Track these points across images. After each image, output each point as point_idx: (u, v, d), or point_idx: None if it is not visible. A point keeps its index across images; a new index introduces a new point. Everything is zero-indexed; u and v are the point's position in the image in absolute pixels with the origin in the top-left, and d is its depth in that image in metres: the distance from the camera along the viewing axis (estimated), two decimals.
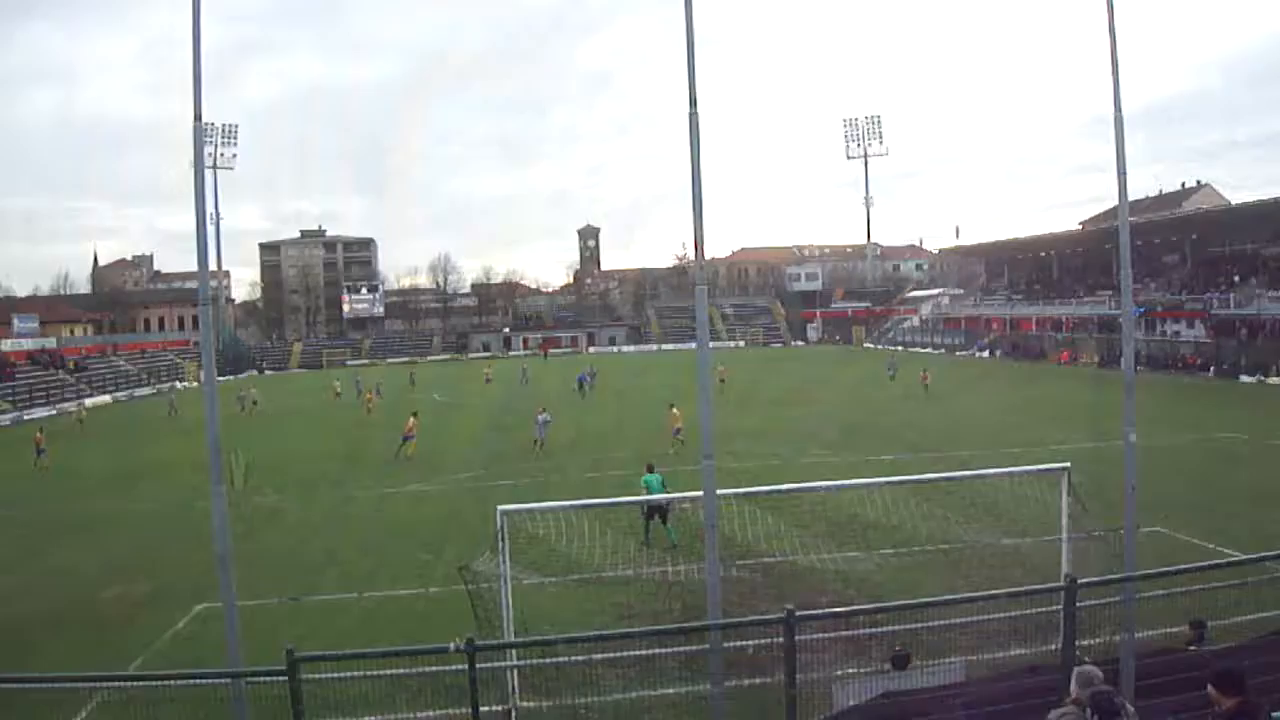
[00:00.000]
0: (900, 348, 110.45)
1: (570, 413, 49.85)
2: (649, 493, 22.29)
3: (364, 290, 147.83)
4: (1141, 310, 77.77)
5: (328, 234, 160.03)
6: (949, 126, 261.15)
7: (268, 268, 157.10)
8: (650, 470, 23.84)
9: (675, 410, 38.51)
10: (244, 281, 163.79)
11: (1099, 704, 6.31)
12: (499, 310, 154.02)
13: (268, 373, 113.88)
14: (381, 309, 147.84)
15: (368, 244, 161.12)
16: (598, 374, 71.02)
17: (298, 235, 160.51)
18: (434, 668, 10.23)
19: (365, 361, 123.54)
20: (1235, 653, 11.57)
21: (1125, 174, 11.25)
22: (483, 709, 11.09)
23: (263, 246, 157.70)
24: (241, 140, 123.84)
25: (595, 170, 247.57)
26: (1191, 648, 12.93)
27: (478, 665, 9.30)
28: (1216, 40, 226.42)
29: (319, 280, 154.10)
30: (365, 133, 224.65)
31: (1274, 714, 8.01)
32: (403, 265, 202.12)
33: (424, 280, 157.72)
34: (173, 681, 11.62)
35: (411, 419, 41.75)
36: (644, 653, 12.94)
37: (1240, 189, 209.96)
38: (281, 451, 43.81)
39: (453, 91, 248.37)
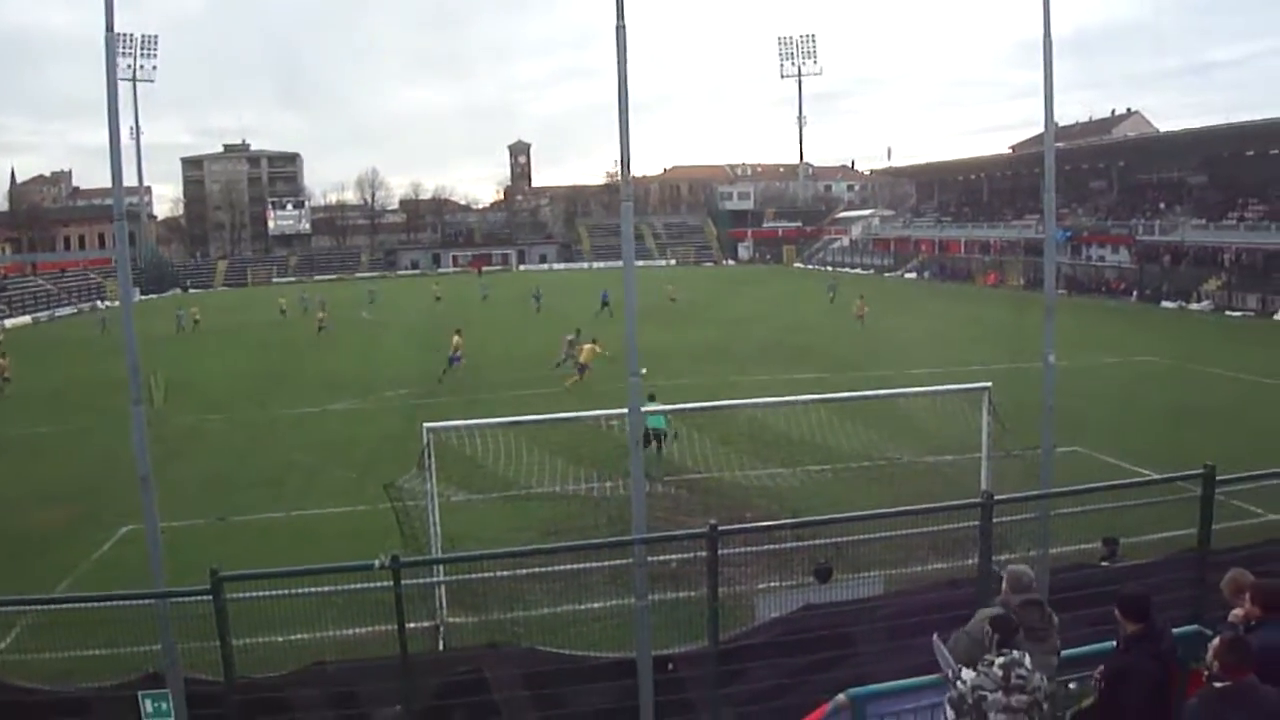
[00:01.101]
0: (830, 268, 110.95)
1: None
2: (647, 423, 21.98)
3: (290, 206, 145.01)
4: (1068, 235, 78.88)
5: (252, 148, 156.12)
6: (883, 48, 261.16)
7: (191, 183, 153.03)
8: (651, 398, 23.53)
9: (595, 346, 35.94)
10: (166, 198, 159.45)
11: (1001, 624, 6.41)
12: (428, 227, 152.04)
13: (192, 291, 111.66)
14: (308, 225, 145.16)
15: (293, 159, 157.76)
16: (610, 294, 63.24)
17: (221, 150, 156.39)
18: (361, 585, 10.20)
19: (292, 279, 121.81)
20: (1146, 569, 11.94)
21: (1052, 99, 11.32)
22: (411, 625, 11.14)
23: (185, 161, 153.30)
24: (162, 52, 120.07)
25: (527, 86, 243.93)
26: (1104, 563, 13.33)
27: (404, 582, 9.31)
28: None
29: (243, 196, 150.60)
30: (292, 45, 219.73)
31: (1176, 630, 8.28)
32: (329, 181, 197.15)
33: (351, 196, 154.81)
34: (97, 604, 11.52)
35: (456, 337, 38.50)
36: (570, 567, 13.05)
37: (1169, 117, 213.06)
38: (220, 370, 43.35)
39: (382, 2, 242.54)
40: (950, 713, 6.18)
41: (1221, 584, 8.26)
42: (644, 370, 33.81)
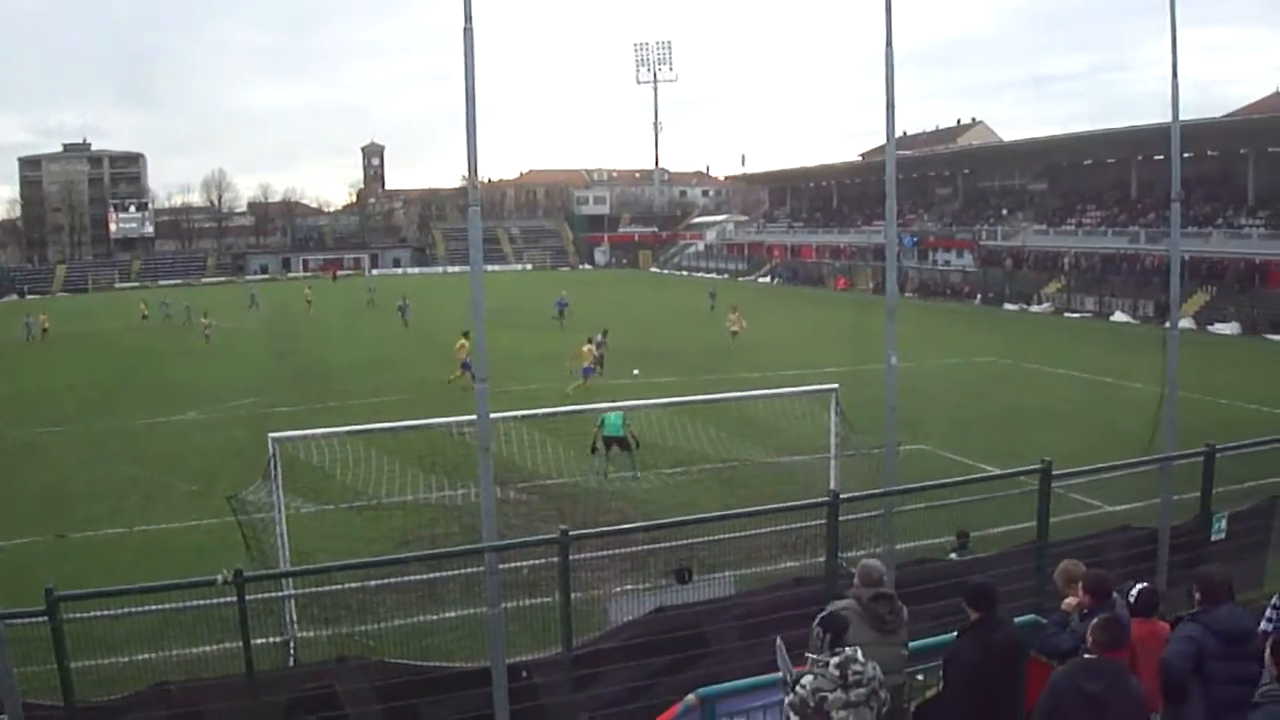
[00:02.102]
0: (685, 272, 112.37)
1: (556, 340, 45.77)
2: (605, 428, 21.85)
3: (133, 208, 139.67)
4: (914, 240, 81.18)
5: (94, 148, 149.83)
6: (739, 56, 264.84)
7: (28, 184, 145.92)
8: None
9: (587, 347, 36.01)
10: (2, 199, 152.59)
11: (831, 623, 6.59)
12: (277, 230, 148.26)
13: (30, 296, 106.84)
14: (152, 228, 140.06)
15: (136, 159, 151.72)
16: (567, 303, 59.74)
17: (60, 149, 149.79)
18: (206, 601, 9.92)
19: (135, 284, 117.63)
20: (988, 562, 12.38)
21: (894, 108, 11.57)
22: (260, 641, 10.85)
23: (22, 161, 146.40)
24: None
25: (382, 86, 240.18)
26: (953, 555, 13.76)
27: (250, 596, 9.08)
28: None
29: (84, 198, 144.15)
30: (136, 40, 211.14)
31: (1017, 619, 8.63)
32: (174, 183, 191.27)
33: (197, 199, 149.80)
34: None
35: (463, 340, 35.37)
36: (422, 577, 12.91)
37: (1011, 127, 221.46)
38: (65, 380, 41.29)
39: None
40: (794, 717, 6.30)
41: (1054, 575, 8.64)
42: (636, 372, 33.80)
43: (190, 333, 57.39)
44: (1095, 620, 6.96)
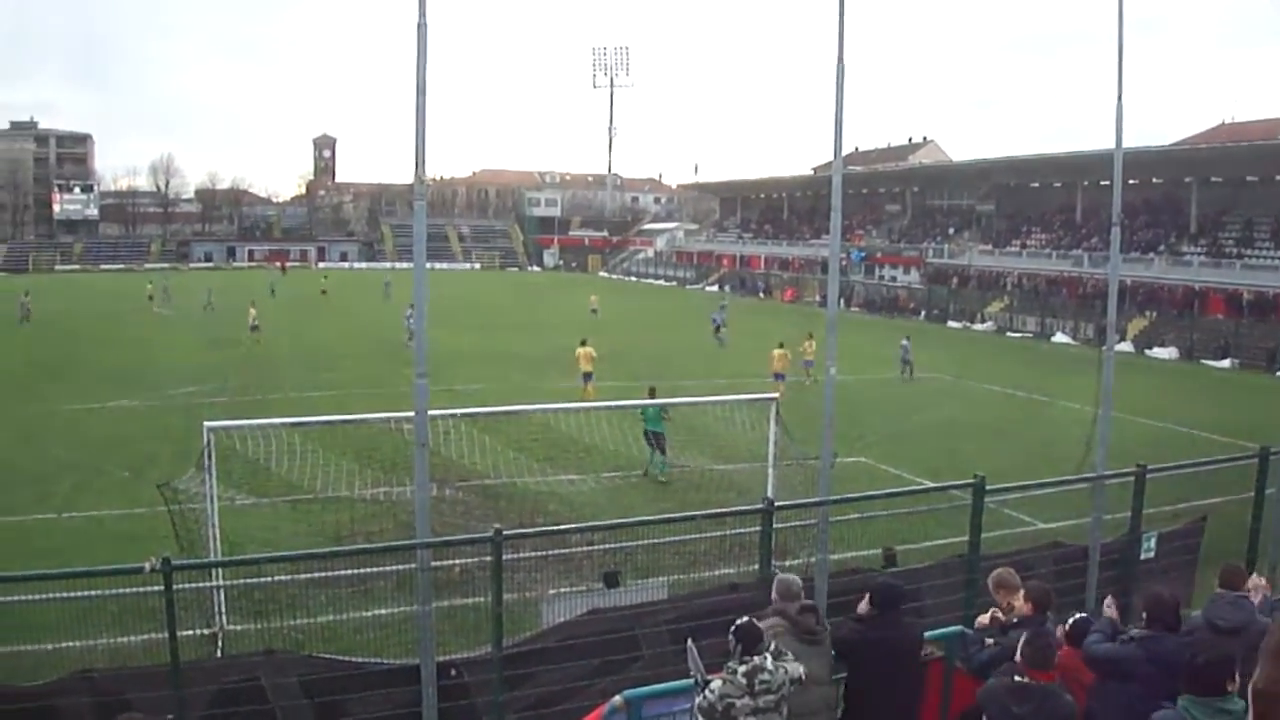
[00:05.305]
0: (634, 278, 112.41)
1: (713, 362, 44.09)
2: (644, 420, 21.99)
3: (78, 190, 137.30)
4: (862, 255, 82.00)
5: (41, 126, 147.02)
6: (698, 65, 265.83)
7: None
8: (651, 393, 23.01)
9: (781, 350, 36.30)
10: None
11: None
12: (224, 219, 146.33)
13: None
14: (96, 211, 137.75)
15: (84, 140, 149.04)
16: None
17: (7, 127, 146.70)
18: (133, 589, 9.81)
19: (77, 267, 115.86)
20: (920, 573, 12.50)
21: (841, 124, 11.68)
22: (189, 633, 10.74)
23: None
24: None
25: (336, 77, 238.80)
26: (888, 570, 13.91)
27: (178, 586, 8.97)
28: None
29: (28, 177, 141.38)
30: (86, 17, 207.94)
31: (943, 630, 8.75)
32: (121, 166, 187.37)
33: (144, 182, 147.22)
34: None
35: (581, 349, 33.55)
36: (354, 572, 12.81)
37: (962, 146, 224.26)
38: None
39: None
40: None
41: (989, 581, 8.75)
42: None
43: (210, 321, 55.19)
44: (1026, 639, 6.99)
